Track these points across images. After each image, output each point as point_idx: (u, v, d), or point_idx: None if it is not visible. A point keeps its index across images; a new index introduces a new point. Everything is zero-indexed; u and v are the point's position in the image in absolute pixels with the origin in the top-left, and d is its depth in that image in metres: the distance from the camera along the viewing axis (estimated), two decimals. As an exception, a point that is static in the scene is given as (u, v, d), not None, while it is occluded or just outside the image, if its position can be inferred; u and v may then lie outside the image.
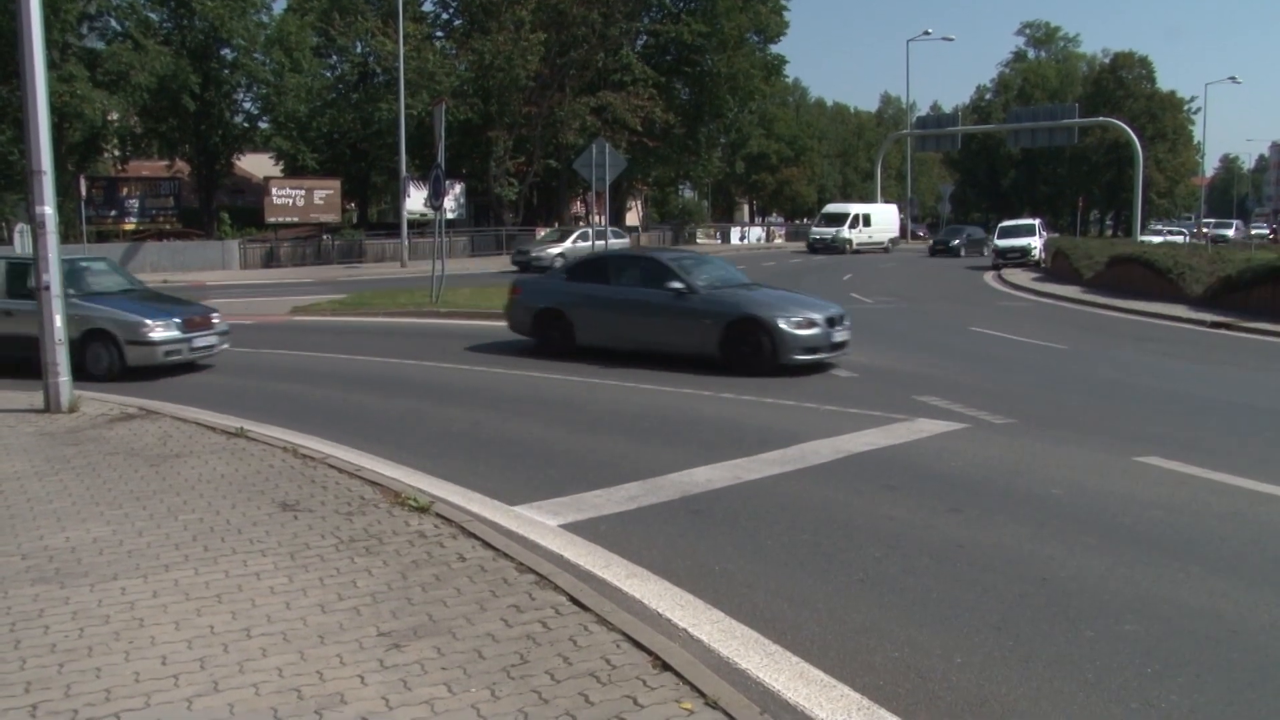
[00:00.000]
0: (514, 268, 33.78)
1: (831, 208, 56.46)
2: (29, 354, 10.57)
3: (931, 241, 51.35)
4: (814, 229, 53.70)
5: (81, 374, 11.01)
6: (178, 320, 12.58)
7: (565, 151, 45.90)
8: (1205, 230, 60.20)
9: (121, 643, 4.30)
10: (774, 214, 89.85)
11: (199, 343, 12.80)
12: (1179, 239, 50.11)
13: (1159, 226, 66.56)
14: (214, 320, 13.27)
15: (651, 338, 13.04)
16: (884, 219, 55.33)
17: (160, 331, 12.33)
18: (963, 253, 46.35)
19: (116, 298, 13.01)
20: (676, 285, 12.68)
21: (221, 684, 3.92)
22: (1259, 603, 5.02)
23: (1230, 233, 63.64)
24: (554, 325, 13.77)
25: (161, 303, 13.55)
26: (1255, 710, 3.98)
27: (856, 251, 49.80)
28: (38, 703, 3.76)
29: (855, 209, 53.87)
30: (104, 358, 12.22)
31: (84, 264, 13.84)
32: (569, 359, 13.29)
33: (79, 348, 11.58)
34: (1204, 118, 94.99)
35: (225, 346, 13.38)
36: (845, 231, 50.99)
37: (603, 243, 26.47)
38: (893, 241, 55.25)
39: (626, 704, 3.75)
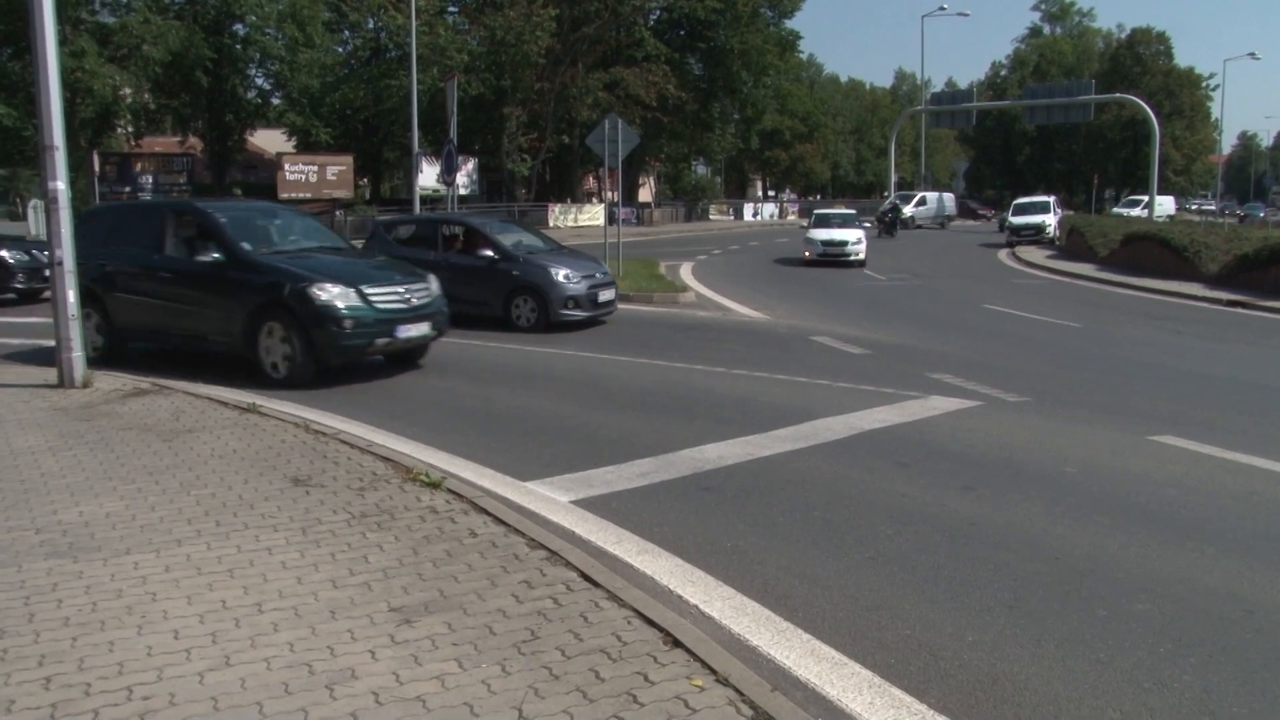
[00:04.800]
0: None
1: None
2: None
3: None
4: None
5: None
6: None
7: (578, 127, 45.73)
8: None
9: (134, 617, 4.32)
10: (787, 190, 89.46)
11: None
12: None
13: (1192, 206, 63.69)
14: None
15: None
16: None
17: None
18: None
19: None
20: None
21: (233, 658, 3.93)
22: (1274, 583, 4.99)
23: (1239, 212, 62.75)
24: None
25: None
26: (1269, 690, 3.95)
27: None
28: (51, 675, 3.78)
29: None
30: None
31: None
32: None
33: None
34: (1222, 94, 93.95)
35: None
36: None
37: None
38: None
39: (637, 680, 3.75)
